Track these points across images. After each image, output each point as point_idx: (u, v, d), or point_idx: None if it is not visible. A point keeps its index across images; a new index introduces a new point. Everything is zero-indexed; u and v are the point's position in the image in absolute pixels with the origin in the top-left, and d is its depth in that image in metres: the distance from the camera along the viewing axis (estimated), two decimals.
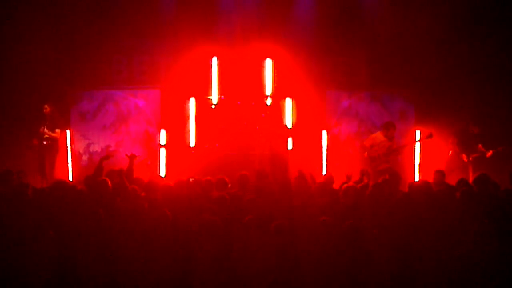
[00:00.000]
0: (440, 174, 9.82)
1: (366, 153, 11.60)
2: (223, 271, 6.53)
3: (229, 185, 8.81)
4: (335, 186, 9.09)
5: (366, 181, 9.43)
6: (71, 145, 12.94)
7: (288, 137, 11.10)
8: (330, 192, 8.49)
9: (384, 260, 6.63)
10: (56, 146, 12.22)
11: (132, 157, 9.36)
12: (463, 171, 11.47)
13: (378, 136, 11.63)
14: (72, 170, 12.90)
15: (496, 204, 7.32)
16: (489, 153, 11.62)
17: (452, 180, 9.68)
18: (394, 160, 11.80)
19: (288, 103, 12.81)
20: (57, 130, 12.19)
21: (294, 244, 6.64)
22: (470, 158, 11.64)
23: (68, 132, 12.92)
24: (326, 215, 7.30)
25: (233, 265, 6.56)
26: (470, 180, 10.79)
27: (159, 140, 12.78)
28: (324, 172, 12.48)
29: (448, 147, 11.92)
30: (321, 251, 6.67)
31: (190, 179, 8.79)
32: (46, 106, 12.16)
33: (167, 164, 12.68)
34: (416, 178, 12.33)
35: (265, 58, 12.87)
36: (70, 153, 12.91)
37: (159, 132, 12.82)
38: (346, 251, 6.61)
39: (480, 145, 11.64)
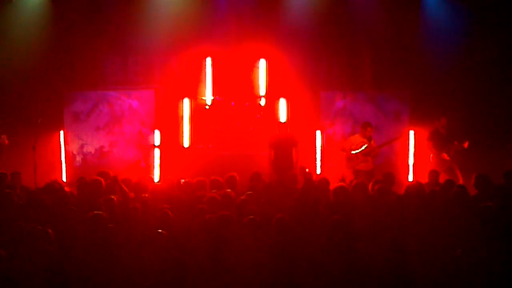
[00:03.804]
0: (435, 174, 9.85)
1: (344, 154, 11.66)
2: (218, 271, 6.52)
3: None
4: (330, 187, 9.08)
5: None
6: (64, 146, 12.92)
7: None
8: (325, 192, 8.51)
9: (380, 260, 6.63)
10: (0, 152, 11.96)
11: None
12: (450, 171, 11.47)
13: (357, 137, 11.70)
14: (66, 171, 12.87)
15: (491, 205, 7.34)
16: (466, 144, 11.60)
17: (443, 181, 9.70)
18: (375, 160, 11.79)
19: (282, 104, 12.81)
20: (3, 136, 11.96)
21: (289, 244, 6.64)
22: (451, 154, 11.63)
23: (61, 132, 12.90)
24: (321, 215, 7.32)
25: (228, 266, 6.55)
26: (460, 177, 10.89)
27: (153, 141, 12.76)
28: (318, 173, 12.50)
29: (428, 153, 11.91)
30: (317, 251, 6.67)
31: (182, 181, 8.78)
32: None
33: (161, 165, 12.65)
34: (410, 179, 12.33)
35: (259, 59, 12.89)
36: (64, 154, 12.88)
37: (153, 132, 12.80)
38: (341, 252, 6.61)
39: (456, 142, 11.64)
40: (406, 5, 13.21)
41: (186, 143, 12.87)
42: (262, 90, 12.89)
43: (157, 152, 12.72)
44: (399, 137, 12.36)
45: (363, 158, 11.55)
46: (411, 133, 12.61)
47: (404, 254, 6.60)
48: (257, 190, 8.56)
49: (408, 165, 12.62)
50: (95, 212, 7.00)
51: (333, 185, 8.91)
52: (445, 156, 11.61)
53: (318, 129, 12.82)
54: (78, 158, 13.17)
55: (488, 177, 8.67)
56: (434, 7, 13.33)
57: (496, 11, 12.75)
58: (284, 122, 11.70)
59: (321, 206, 7.74)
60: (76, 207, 7.59)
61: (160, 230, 6.77)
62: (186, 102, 12.88)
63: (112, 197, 7.78)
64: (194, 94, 12.92)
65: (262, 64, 12.89)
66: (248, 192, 8.27)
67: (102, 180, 8.26)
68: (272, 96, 12.87)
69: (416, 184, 8.54)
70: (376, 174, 11.11)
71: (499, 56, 12.81)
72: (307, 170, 9.27)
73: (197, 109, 12.89)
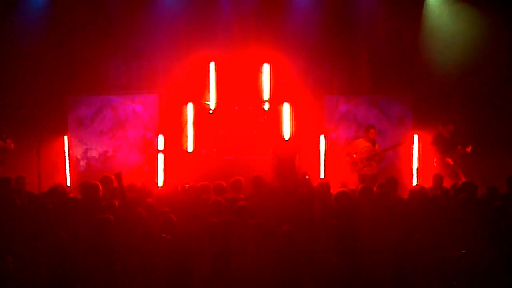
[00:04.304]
0: (439, 178, 9.84)
1: (349, 158, 11.66)
2: (222, 275, 6.53)
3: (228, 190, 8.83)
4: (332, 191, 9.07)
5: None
6: (68, 151, 12.94)
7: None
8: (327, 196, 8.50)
9: (383, 264, 6.64)
10: (4, 158, 11.92)
11: (118, 176, 8.12)
12: (454, 175, 11.44)
13: (361, 141, 11.70)
14: (70, 175, 12.89)
15: (491, 209, 7.35)
16: (469, 149, 11.58)
17: (448, 186, 9.69)
18: (379, 165, 11.78)
19: (286, 108, 12.81)
20: (9, 140, 11.92)
21: (293, 248, 6.65)
22: (455, 158, 11.60)
23: (65, 137, 12.93)
24: (325, 220, 7.31)
25: (232, 270, 6.56)
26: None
27: (157, 146, 12.76)
28: (322, 177, 12.48)
29: (432, 158, 11.88)
30: (320, 255, 6.68)
31: (186, 186, 8.79)
32: None
33: (165, 170, 12.65)
34: (414, 183, 12.31)
35: (263, 63, 12.88)
36: (68, 159, 12.90)
37: (157, 137, 12.79)
38: (343, 256, 6.62)
39: (459, 146, 11.62)
40: (408, 8, 13.21)
41: (190, 147, 12.87)
42: (266, 95, 12.89)
43: (161, 156, 12.71)
44: (403, 142, 12.35)
45: (367, 163, 11.56)
46: (415, 137, 12.59)
47: (407, 258, 6.60)
48: (259, 194, 8.57)
49: (412, 169, 12.59)
50: (103, 216, 7.01)
51: (335, 190, 8.91)
52: (449, 160, 11.59)
53: (322, 134, 12.82)
54: (82, 163, 13.18)
55: (474, 183, 8.67)
56: (437, 10, 13.33)
57: (499, 12, 12.74)
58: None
59: (322, 210, 7.74)
60: (78, 211, 7.62)
61: (164, 235, 6.77)
62: (190, 107, 12.89)
63: (114, 201, 7.79)
64: (198, 99, 12.92)
65: (266, 68, 12.89)
66: (250, 196, 8.29)
67: (100, 184, 8.27)
68: (276, 100, 12.87)
69: (420, 188, 8.53)
70: (380, 178, 11.10)
71: (503, 58, 12.81)
72: (307, 176, 9.26)
73: (201, 114, 12.89)
